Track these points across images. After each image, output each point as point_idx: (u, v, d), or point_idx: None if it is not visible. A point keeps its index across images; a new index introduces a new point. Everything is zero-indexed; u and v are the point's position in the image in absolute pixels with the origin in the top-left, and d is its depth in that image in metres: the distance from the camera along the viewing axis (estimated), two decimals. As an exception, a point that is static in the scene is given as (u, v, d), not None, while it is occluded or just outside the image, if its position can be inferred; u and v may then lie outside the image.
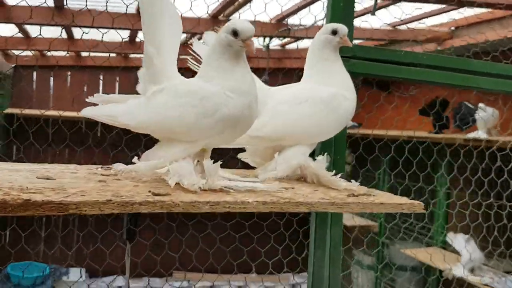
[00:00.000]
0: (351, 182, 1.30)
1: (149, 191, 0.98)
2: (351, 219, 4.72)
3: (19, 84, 4.83)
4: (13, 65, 4.78)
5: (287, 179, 1.33)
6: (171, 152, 1.12)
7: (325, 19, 1.64)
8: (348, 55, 1.59)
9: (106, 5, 2.85)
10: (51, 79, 5.18)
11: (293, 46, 5.00)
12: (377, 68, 1.64)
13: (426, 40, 4.01)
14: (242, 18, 1.20)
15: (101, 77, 5.36)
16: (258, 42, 4.47)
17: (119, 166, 1.12)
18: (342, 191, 1.23)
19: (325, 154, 1.33)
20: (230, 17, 3.96)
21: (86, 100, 1.17)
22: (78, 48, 4.46)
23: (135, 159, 1.12)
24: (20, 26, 3.86)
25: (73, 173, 1.17)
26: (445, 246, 4.25)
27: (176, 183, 1.04)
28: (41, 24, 3.48)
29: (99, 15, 3.07)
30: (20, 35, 4.02)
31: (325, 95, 1.36)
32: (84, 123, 3.99)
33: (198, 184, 1.03)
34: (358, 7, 1.92)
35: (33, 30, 4.06)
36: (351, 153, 5.65)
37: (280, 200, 1.04)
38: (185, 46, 4.24)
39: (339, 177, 1.33)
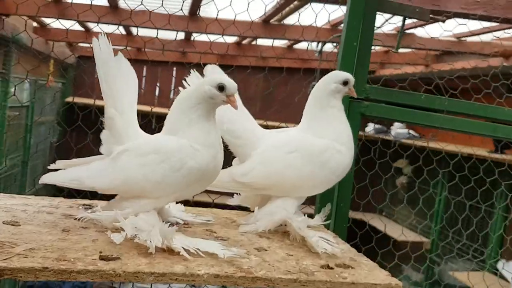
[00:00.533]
0: (339, 243, 1.21)
1: (100, 252, 0.96)
2: (402, 234, 4.52)
3: (82, 73, 5.06)
4: (76, 56, 5.00)
5: (269, 232, 1.26)
6: (138, 205, 1.10)
7: (337, 58, 1.52)
8: (361, 97, 1.47)
9: (162, 2, 2.86)
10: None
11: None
12: (393, 112, 1.50)
13: (493, 55, 3.68)
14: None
15: (159, 72, 5.48)
16: (311, 46, 4.35)
17: (81, 214, 1.12)
18: (321, 258, 1.14)
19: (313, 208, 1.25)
20: (282, 22, 3.87)
21: (48, 167, 1.17)
22: (135, 44, 4.59)
23: (98, 207, 1.11)
24: (81, 22, 4.03)
25: (48, 213, 1.18)
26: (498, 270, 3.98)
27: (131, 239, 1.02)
28: (99, 22, 3.61)
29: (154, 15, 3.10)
30: (79, 27, 4.19)
31: (317, 147, 1.28)
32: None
33: (154, 242, 1.00)
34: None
35: (92, 25, 4.22)
36: (409, 164, 5.41)
37: (237, 274, 0.97)
38: (236, 45, 4.18)
39: (328, 237, 1.25)
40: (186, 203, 1.40)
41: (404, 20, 1.71)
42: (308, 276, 1.02)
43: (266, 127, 1.44)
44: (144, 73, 5.43)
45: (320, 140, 1.29)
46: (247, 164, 1.29)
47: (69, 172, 1.15)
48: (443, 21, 1.74)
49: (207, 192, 1.53)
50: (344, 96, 1.35)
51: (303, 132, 1.33)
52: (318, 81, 4.33)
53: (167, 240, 1.02)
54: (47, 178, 1.14)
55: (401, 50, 4.60)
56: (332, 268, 1.08)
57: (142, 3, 2.63)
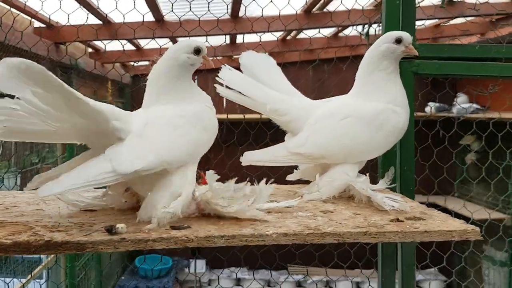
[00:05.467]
0: (407, 201, 1.18)
1: (170, 226, 0.99)
2: (478, 212, 4.30)
3: (138, 92, 5.28)
4: (132, 75, 5.23)
5: (334, 198, 1.26)
6: (184, 177, 1.07)
7: (381, 20, 1.49)
8: (410, 56, 1.43)
9: (209, 8, 2.93)
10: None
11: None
12: (446, 67, 1.44)
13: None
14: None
15: (210, 79, 5.59)
16: (357, 31, 4.28)
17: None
18: (390, 214, 1.12)
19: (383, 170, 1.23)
20: (325, 9, 3.85)
21: (25, 189, 1.12)
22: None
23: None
24: (131, 41, 4.22)
25: (123, 203, 1.23)
26: None
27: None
28: (147, 38, 3.77)
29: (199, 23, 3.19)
30: (131, 47, 4.38)
31: (370, 111, 1.25)
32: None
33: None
34: None
35: (143, 42, 4.40)
36: (477, 139, 5.15)
37: (304, 231, 0.98)
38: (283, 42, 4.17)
39: (395, 197, 1.22)
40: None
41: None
42: (378, 228, 1.01)
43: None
44: (196, 83, 5.55)
45: (373, 103, 1.26)
46: (301, 135, 1.29)
47: (83, 171, 0.96)
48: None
49: (268, 169, 1.56)
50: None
51: (354, 98, 1.31)
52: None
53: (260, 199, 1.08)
54: (51, 189, 0.93)
55: (452, 22, 4.43)
56: (402, 221, 1.06)
57: (191, 10, 2.71)
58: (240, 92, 1.32)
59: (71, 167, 1.01)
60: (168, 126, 1.07)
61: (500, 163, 3.23)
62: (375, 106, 1.25)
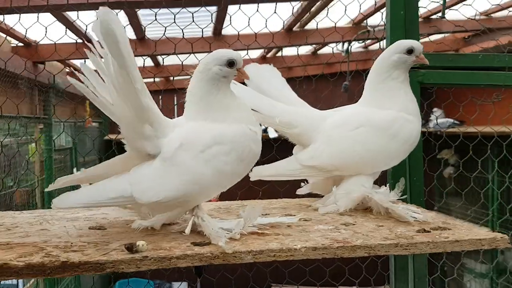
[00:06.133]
0: (424, 212, 1.16)
1: (191, 243, 0.93)
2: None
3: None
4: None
5: (350, 211, 1.22)
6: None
7: (385, 32, 1.49)
8: (416, 66, 1.43)
9: (183, 32, 2.90)
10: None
11: (377, 46, 4.77)
12: (451, 77, 1.45)
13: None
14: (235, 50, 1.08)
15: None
16: (337, 48, 4.33)
17: (136, 223, 1.04)
18: (413, 225, 1.09)
19: (392, 181, 1.20)
20: (305, 27, 3.88)
21: (46, 189, 1.04)
22: (164, 74, 4.67)
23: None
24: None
25: (128, 219, 1.17)
26: None
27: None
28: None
29: (179, 42, 3.15)
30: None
31: (384, 118, 1.23)
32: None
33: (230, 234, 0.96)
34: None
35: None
36: (453, 153, 5.24)
37: (334, 245, 0.94)
38: (262, 60, 4.19)
39: (411, 207, 1.20)
40: (255, 197, 1.37)
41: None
42: (408, 240, 0.97)
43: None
44: (175, 102, 5.49)
45: (386, 111, 1.24)
46: (313, 147, 1.26)
47: (102, 189, 0.95)
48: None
49: (276, 183, 1.51)
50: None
51: (365, 106, 1.29)
52: (349, 81, 4.26)
53: (248, 221, 0.99)
54: (68, 201, 0.94)
55: (428, 39, 4.54)
56: (429, 232, 1.03)
57: (164, 34, 2.66)
58: None
59: (105, 171, 1.01)
60: (200, 156, 0.98)
61: (476, 176, 3.30)
62: (388, 114, 1.23)
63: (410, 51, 1.26)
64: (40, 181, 3.47)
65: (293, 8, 3.33)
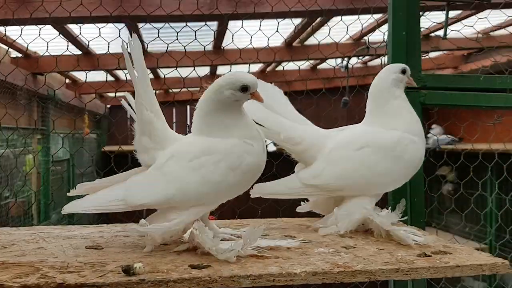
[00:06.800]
0: (425, 235, 1.15)
1: (188, 265, 0.92)
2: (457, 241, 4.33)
3: (115, 123, 5.17)
4: (108, 106, 5.12)
5: (351, 233, 1.21)
6: (185, 214, 1.02)
7: (386, 49, 1.49)
8: (418, 86, 1.43)
9: (185, 48, 2.90)
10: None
11: (376, 62, 4.80)
12: (453, 98, 1.45)
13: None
14: (241, 71, 1.11)
15: (188, 110, 5.54)
16: (336, 63, 4.35)
17: (130, 228, 1.05)
18: (414, 248, 1.08)
19: (394, 203, 1.19)
20: (305, 42, 3.90)
21: (68, 194, 1.08)
22: (164, 86, 4.68)
23: (143, 221, 1.02)
24: (110, 72, 4.15)
25: (125, 237, 1.15)
26: None
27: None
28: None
29: (181, 58, 3.15)
30: (110, 78, 4.30)
31: (389, 140, 1.22)
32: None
33: (231, 253, 0.94)
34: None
35: (121, 74, 4.33)
36: (452, 170, 5.23)
37: (334, 269, 0.92)
38: (261, 74, 4.20)
39: (412, 229, 1.19)
40: (254, 215, 1.36)
41: (448, 5, 1.68)
42: (409, 264, 0.96)
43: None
44: (174, 114, 5.49)
45: (391, 132, 1.24)
46: (316, 166, 1.25)
47: (103, 195, 1.03)
48: (488, 1, 1.69)
49: (275, 202, 1.50)
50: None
51: (370, 126, 1.28)
52: (348, 96, 4.25)
53: (248, 244, 0.97)
54: (74, 207, 1.03)
55: (427, 56, 4.57)
56: (430, 256, 1.02)
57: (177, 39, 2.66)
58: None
59: (121, 180, 1.07)
60: (189, 165, 1.02)
61: (473, 193, 3.30)
62: (392, 135, 1.23)
63: (403, 72, 1.30)
64: (36, 193, 3.44)
65: (295, 26, 3.35)
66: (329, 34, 2.93)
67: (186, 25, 2.57)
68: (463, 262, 0.98)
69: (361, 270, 0.93)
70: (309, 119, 1.34)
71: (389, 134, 1.23)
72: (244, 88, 1.04)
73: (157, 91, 5.03)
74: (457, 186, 5.26)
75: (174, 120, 5.48)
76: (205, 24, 2.66)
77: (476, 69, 4.25)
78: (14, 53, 3.35)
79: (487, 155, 2.91)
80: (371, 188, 1.22)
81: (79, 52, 3.56)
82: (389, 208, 1.22)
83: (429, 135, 5.33)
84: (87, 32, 2.84)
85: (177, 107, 5.36)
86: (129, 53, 1.02)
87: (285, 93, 1.39)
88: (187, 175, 1.02)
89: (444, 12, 1.75)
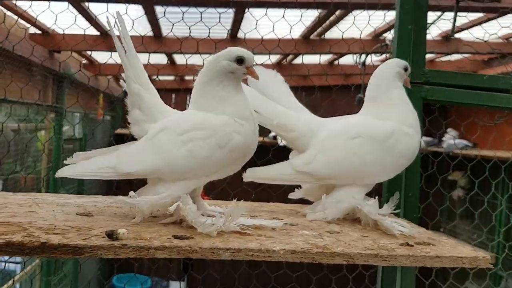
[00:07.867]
0: (413, 227, 1.15)
1: (172, 236, 0.94)
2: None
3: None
4: (124, 89, 5.17)
5: (339, 220, 1.22)
6: (173, 188, 1.05)
7: (392, 45, 1.49)
8: (420, 81, 1.43)
9: (209, 32, 2.90)
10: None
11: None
12: (454, 95, 1.44)
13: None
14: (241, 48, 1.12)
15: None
16: (353, 59, 4.33)
17: (119, 197, 1.06)
18: (398, 238, 1.08)
19: (379, 196, 1.20)
20: (323, 36, 3.89)
21: (65, 162, 1.09)
22: (179, 72, 4.71)
23: (132, 193, 1.05)
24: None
25: (118, 207, 1.18)
26: None
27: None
28: (148, 52, 3.74)
29: (200, 41, 3.17)
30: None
31: (382, 130, 1.23)
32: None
33: (212, 227, 0.97)
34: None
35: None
36: (464, 175, 5.16)
37: (313, 249, 0.94)
38: (277, 66, 4.18)
39: (402, 222, 1.19)
40: (247, 198, 1.37)
41: (457, 2, 1.66)
42: (389, 251, 0.97)
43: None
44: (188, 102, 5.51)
45: (385, 122, 1.24)
46: (308, 153, 1.25)
47: (95, 161, 1.06)
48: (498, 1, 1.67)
49: (269, 187, 1.51)
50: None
51: (365, 116, 1.29)
52: (363, 93, 4.22)
53: (230, 220, 1.00)
54: (67, 171, 1.04)
55: (447, 58, 4.51)
56: (412, 246, 1.03)
57: (190, 33, 2.68)
58: None
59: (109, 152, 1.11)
60: (178, 138, 1.05)
61: (483, 200, 3.26)
62: (386, 127, 1.23)
63: (406, 69, 1.32)
64: (46, 169, 3.51)
65: (318, 16, 3.34)
66: (351, 25, 2.92)
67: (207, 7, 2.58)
68: (444, 253, 0.99)
69: (339, 253, 0.94)
70: (324, 114, 1.36)
71: (383, 125, 1.23)
72: (240, 60, 1.08)
73: (172, 78, 5.07)
74: (468, 191, 5.20)
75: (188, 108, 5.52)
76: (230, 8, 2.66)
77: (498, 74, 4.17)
78: (32, 29, 3.40)
79: (501, 163, 2.87)
80: (361, 178, 1.23)
81: (98, 33, 3.61)
82: (381, 199, 1.22)
83: (444, 138, 5.27)
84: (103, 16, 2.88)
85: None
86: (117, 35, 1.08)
87: (300, 87, 1.40)
88: (175, 148, 1.05)
89: (465, 14, 1.73)
